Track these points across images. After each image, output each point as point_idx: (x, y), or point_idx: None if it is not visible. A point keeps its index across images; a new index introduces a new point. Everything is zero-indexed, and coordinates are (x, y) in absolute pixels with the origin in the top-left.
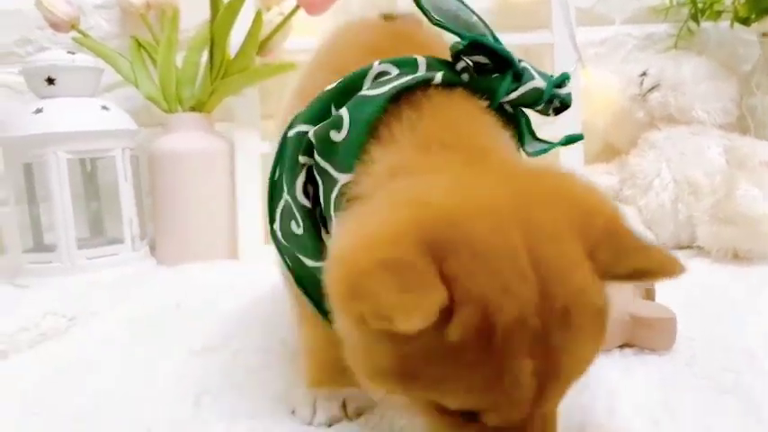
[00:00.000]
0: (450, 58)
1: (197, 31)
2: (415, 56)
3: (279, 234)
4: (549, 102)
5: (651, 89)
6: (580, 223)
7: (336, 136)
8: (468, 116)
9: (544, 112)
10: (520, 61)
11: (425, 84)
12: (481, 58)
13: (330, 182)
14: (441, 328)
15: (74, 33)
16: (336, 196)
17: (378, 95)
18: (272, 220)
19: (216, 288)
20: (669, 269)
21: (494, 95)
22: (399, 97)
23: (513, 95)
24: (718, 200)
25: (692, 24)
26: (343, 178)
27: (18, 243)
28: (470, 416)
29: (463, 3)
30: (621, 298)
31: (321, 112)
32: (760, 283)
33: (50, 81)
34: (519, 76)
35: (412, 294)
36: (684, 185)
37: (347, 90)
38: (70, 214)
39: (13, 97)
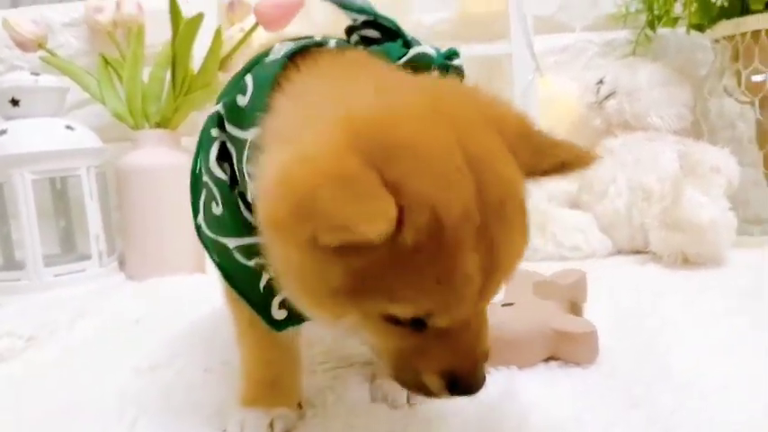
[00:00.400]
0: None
1: (163, 47)
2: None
3: (203, 225)
4: (445, 72)
5: (607, 96)
6: (496, 124)
7: (242, 99)
8: (367, 57)
9: None
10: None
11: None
12: (373, 33)
13: (241, 145)
14: (391, 236)
15: (41, 52)
16: (248, 155)
17: (277, 58)
18: (195, 214)
19: (178, 303)
20: (585, 160)
21: (387, 57)
22: (297, 58)
23: (404, 59)
24: (665, 206)
25: (649, 31)
26: (250, 134)
27: None
28: (419, 323)
29: None
30: (546, 313)
31: (231, 89)
32: (701, 288)
33: (15, 102)
34: (408, 44)
35: (367, 203)
36: (638, 192)
37: (253, 66)
38: (36, 233)
39: None
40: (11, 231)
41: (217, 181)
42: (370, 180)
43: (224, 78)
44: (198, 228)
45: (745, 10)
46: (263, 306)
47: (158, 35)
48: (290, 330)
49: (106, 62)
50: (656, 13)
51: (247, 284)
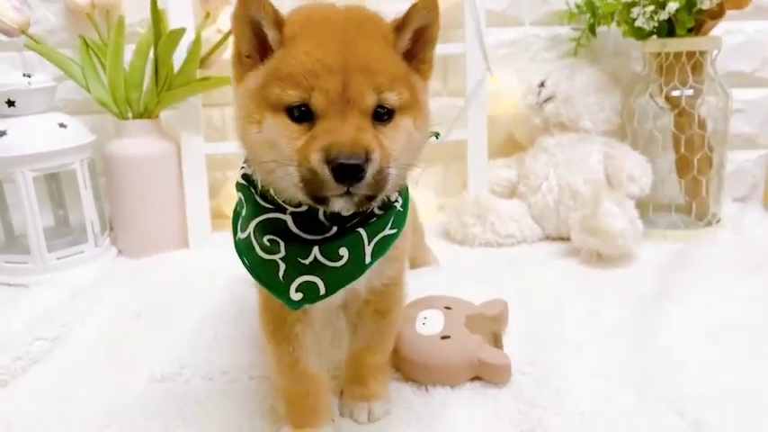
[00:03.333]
0: None
1: (143, 34)
2: None
3: (239, 234)
4: None
5: (547, 100)
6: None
7: None
8: None
9: None
10: None
11: None
12: None
13: None
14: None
15: (24, 38)
16: None
17: None
18: (234, 233)
19: (172, 289)
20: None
21: None
22: None
23: None
24: (585, 215)
25: (589, 34)
26: None
27: None
28: (307, 115)
29: None
30: (474, 345)
31: None
32: (605, 292)
33: (10, 103)
34: None
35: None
36: (566, 191)
37: None
38: (39, 223)
39: None
40: (11, 220)
41: (243, 189)
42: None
43: (201, 74)
44: (236, 245)
45: (671, 32)
46: (283, 291)
47: (136, 14)
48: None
49: (87, 45)
50: (598, 15)
51: (270, 276)
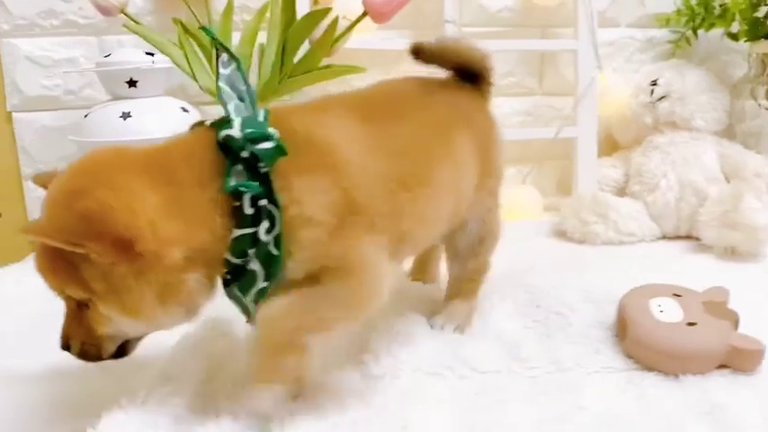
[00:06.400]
0: None
1: (245, 16)
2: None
3: None
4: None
5: (660, 98)
6: None
7: None
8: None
9: None
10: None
11: None
12: None
13: None
14: None
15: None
16: None
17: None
18: None
19: None
20: None
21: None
22: None
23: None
24: (725, 210)
25: (690, 34)
26: None
27: None
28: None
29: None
30: (725, 331)
31: None
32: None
33: (132, 83)
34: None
35: None
36: (688, 188)
37: None
38: None
39: (34, 71)
40: None
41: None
42: None
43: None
44: None
45: None
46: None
47: None
48: None
49: (186, 30)
50: (698, 21)
51: None
